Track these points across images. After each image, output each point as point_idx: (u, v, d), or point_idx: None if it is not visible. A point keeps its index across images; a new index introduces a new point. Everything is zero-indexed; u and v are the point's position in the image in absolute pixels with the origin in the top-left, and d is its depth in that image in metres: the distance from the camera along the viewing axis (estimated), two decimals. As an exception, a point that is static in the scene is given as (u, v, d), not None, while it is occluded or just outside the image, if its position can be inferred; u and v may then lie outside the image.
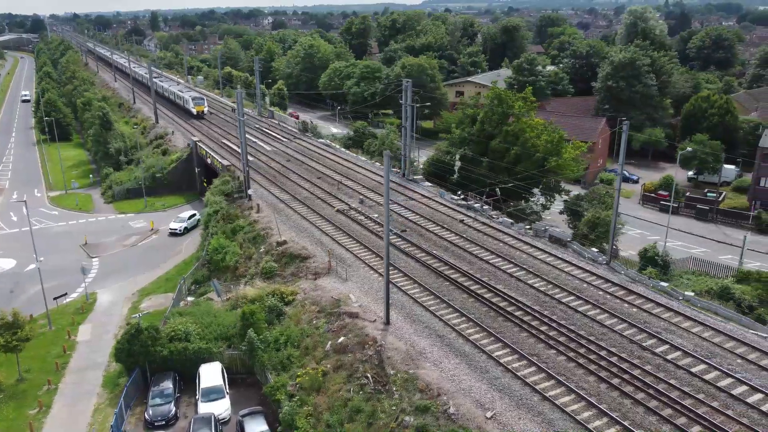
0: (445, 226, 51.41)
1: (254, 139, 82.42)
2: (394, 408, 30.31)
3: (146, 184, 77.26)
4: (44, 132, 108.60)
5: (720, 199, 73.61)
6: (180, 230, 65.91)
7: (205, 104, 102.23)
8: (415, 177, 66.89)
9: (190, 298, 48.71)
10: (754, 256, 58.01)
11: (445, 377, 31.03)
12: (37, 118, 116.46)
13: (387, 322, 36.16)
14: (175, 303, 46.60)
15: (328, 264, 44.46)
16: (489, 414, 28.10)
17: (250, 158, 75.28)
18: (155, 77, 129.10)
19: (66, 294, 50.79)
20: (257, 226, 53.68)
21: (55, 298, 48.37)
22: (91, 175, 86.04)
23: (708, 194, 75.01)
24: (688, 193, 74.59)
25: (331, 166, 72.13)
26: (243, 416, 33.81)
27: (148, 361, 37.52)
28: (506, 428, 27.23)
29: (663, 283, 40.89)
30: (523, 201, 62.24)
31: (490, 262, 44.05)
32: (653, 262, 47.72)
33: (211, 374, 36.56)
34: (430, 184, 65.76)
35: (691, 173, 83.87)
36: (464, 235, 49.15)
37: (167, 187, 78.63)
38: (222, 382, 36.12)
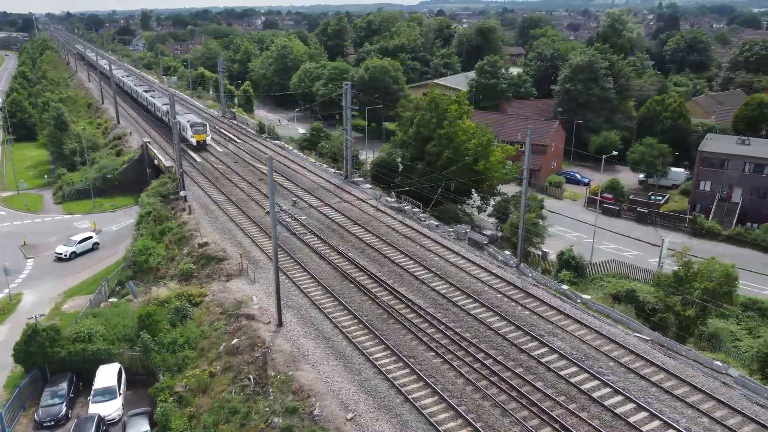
0: (368, 228, 51.84)
1: (209, 141, 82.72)
2: (266, 409, 30.78)
3: (97, 185, 77.58)
4: (9, 132, 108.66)
5: (663, 202, 74.19)
6: (66, 255, 58.67)
7: (208, 131, 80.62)
8: (356, 179, 67.34)
9: (112, 299, 49.12)
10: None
11: (320, 379, 31.51)
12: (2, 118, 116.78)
13: (279, 324, 36.63)
14: (93, 304, 46.96)
15: (240, 266, 44.90)
16: (349, 416, 28.58)
17: (198, 160, 76.10)
18: (124, 77, 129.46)
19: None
20: (185, 228, 54.05)
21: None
22: (45, 176, 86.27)
23: (652, 197, 75.61)
24: (632, 196, 75.17)
25: (278, 167, 72.49)
26: (129, 416, 34.26)
27: (47, 361, 37.92)
28: (362, 430, 27.70)
29: (564, 287, 41.41)
30: (459, 204, 62.70)
31: (401, 264, 44.52)
32: (567, 264, 48.24)
33: (106, 375, 36.98)
34: (370, 186, 66.19)
35: (641, 176, 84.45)
36: (384, 238, 49.60)
37: (118, 188, 78.86)
38: (116, 383, 36.50)
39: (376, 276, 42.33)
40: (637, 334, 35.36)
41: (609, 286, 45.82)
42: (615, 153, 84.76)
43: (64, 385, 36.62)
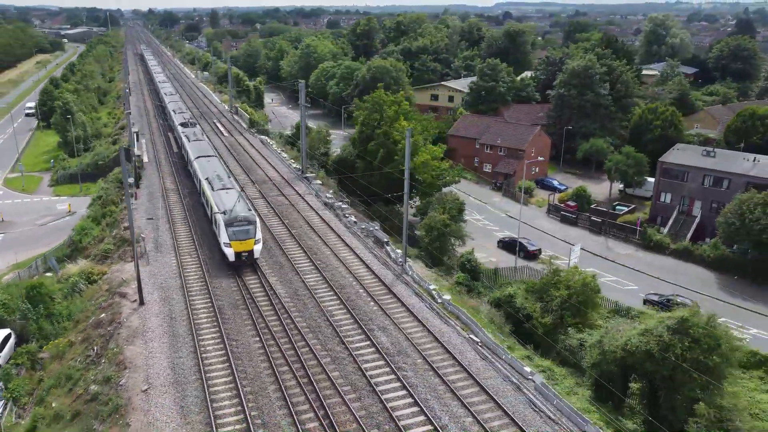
0: (285, 221, 53.88)
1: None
2: (92, 377, 33.50)
3: (89, 171, 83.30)
4: (38, 118, 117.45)
5: (626, 212, 72.06)
6: None
7: (257, 232, 43.75)
8: (308, 175, 69.44)
9: (48, 274, 53.45)
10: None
11: (144, 353, 33.86)
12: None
13: (141, 303, 39.28)
14: (22, 276, 51.35)
15: (142, 249, 47.98)
16: (144, 387, 30.80)
17: (175, 150, 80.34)
18: (162, 81, 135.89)
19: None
20: (124, 213, 57.88)
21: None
22: (52, 160, 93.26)
23: (616, 207, 73.67)
24: (594, 206, 73.48)
25: (243, 160, 75.70)
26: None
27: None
28: (151, 400, 29.87)
29: (432, 286, 42.02)
30: (395, 204, 63.71)
31: (290, 255, 46.32)
32: (464, 267, 48.58)
33: (-9, 340, 40.76)
34: (320, 182, 68.14)
35: (620, 186, 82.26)
36: (293, 231, 51.49)
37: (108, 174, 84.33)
38: (-4, 347, 40.20)
39: (260, 265, 44.36)
40: (472, 336, 35.77)
41: (497, 292, 45.86)
42: (607, 161, 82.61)
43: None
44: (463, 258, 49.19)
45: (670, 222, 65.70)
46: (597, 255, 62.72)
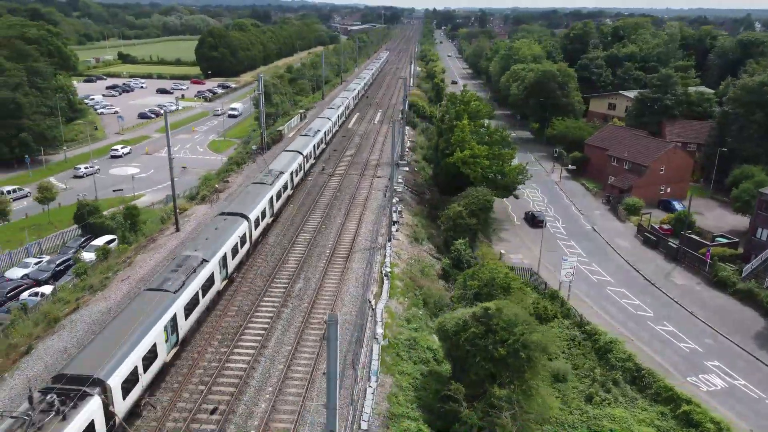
0: (339, 194, 63.66)
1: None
2: (113, 267, 48.11)
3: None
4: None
5: (723, 244, 64.19)
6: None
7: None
8: (400, 162, 77.29)
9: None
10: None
11: (146, 259, 47.31)
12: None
13: (177, 230, 53.10)
14: (157, 205, 70.18)
15: (218, 196, 62.32)
16: (125, 277, 44.02)
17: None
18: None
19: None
20: (239, 170, 73.67)
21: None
22: (252, 130, 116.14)
23: (715, 238, 65.87)
24: (688, 232, 66.54)
25: (367, 141, 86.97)
26: None
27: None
28: (131, 282, 42.96)
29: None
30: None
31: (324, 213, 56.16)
32: (450, 255, 52.47)
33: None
34: (407, 168, 75.71)
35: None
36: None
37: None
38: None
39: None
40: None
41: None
42: (735, 189, 74.09)
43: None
44: (455, 247, 52.95)
45: (757, 260, 57.84)
46: (647, 279, 58.99)
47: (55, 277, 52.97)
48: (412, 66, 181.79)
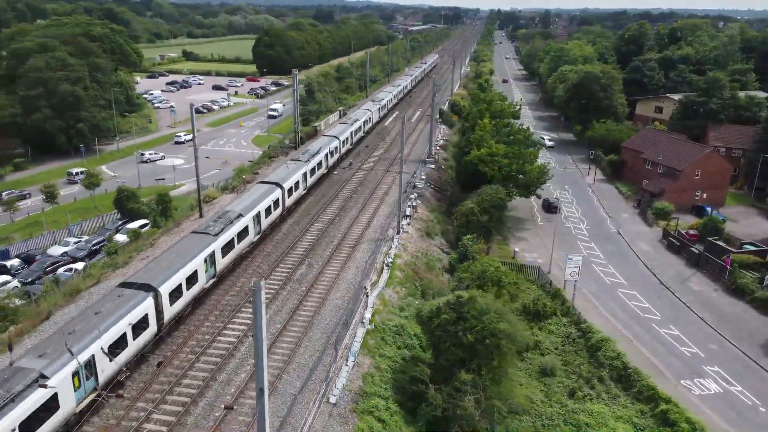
0: (360, 186, 65.77)
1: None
2: (138, 252, 51.87)
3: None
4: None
5: (751, 251, 62.23)
6: None
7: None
8: (427, 159, 78.80)
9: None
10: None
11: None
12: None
13: (201, 215, 56.49)
14: (192, 192, 74.34)
15: (243, 186, 65.56)
16: (145, 256, 47.59)
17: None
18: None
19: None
20: (270, 162, 76.93)
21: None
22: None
23: (743, 245, 63.87)
24: (714, 239, 64.75)
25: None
26: None
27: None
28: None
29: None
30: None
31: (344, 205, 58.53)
32: (458, 250, 53.54)
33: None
34: (432, 166, 77.08)
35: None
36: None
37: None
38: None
39: (293, 210, 57.94)
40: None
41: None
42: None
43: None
44: (462, 242, 54.01)
45: (783, 270, 56.07)
46: (663, 284, 58.13)
47: (91, 255, 57.44)
48: (464, 65, 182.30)
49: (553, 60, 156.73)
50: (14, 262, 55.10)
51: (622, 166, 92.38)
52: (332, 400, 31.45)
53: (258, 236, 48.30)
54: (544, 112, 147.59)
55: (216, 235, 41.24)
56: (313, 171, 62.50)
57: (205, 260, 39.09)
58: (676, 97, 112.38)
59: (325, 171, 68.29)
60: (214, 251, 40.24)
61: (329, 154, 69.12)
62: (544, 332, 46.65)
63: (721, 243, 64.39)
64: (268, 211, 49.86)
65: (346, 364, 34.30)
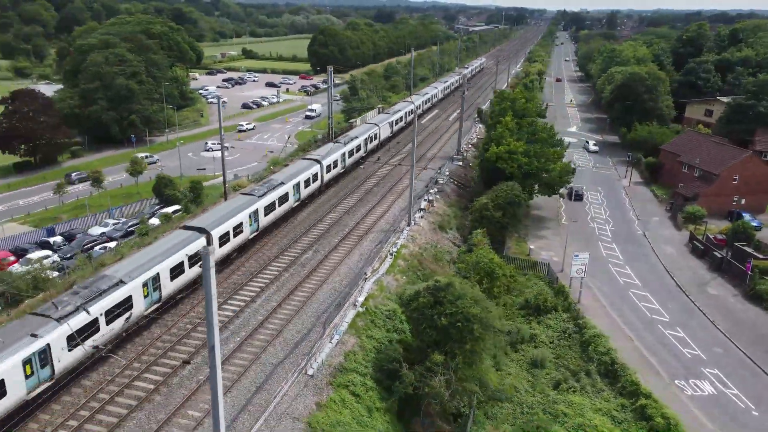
0: (383, 181, 67.77)
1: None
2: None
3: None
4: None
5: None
6: None
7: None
8: (455, 156, 79.79)
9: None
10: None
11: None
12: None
13: (225, 199, 59.85)
14: (229, 182, 78.27)
15: (270, 176, 68.75)
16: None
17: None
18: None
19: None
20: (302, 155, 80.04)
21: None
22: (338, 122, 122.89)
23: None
24: (741, 244, 62.78)
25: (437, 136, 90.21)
26: None
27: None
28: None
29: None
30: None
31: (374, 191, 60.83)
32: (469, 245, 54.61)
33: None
34: (460, 163, 78.08)
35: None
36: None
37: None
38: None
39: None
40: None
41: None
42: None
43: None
44: (472, 236, 55.04)
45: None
46: (679, 286, 57.20)
47: (126, 236, 61.83)
48: (516, 66, 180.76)
49: (605, 61, 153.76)
50: (57, 239, 60.15)
51: (659, 169, 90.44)
52: (310, 372, 33.50)
53: (297, 203, 56.19)
54: (592, 114, 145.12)
55: (260, 196, 49.36)
56: (351, 153, 70.26)
57: (250, 216, 47.20)
58: (726, 99, 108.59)
59: (364, 154, 75.64)
60: (257, 209, 48.22)
61: (368, 140, 76.43)
62: (542, 326, 47.19)
63: (748, 249, 62.67)
64: (307, 182, 57.84)
65: (330, 342, 36.29)
